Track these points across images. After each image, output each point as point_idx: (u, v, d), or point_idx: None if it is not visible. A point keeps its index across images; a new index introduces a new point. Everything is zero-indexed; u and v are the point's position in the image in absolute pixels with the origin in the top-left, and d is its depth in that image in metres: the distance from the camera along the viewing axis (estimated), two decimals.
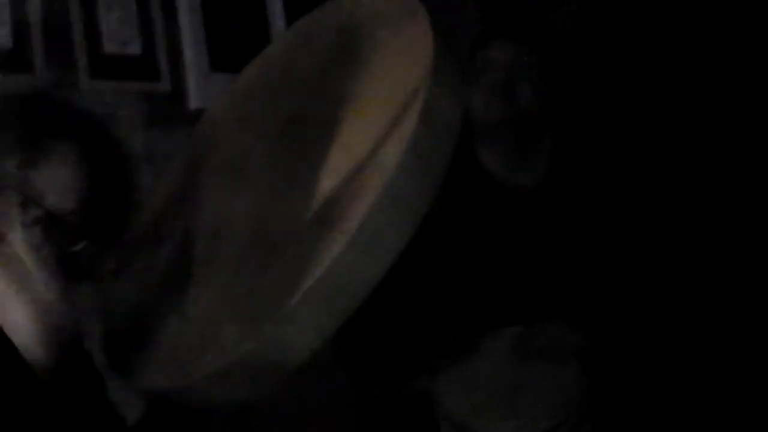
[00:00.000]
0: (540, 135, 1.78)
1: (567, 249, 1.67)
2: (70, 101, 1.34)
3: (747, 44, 2.32)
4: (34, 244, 1.20)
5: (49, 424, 1.16)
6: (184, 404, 1.26)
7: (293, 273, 1.17)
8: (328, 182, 1.24)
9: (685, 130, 2.31)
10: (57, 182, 1.21)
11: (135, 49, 2.23)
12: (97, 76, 2.18)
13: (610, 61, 2.52)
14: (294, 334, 1.16)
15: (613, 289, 1.62)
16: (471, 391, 1.51)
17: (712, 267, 1.87)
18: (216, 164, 1.46)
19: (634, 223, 1.69)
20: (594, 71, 2.55)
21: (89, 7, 2.18)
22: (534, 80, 1.76)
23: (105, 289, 1.40)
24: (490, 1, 2.40)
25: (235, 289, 1.26)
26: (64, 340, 1.18)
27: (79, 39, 2.16)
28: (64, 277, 1.28)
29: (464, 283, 1.68)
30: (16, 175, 1.20)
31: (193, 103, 2.27)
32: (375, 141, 1.21)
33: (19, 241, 1.19)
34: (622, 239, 1.67)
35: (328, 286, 1.15)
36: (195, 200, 1.42)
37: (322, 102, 1.35)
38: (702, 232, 1.86)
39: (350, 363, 1.69)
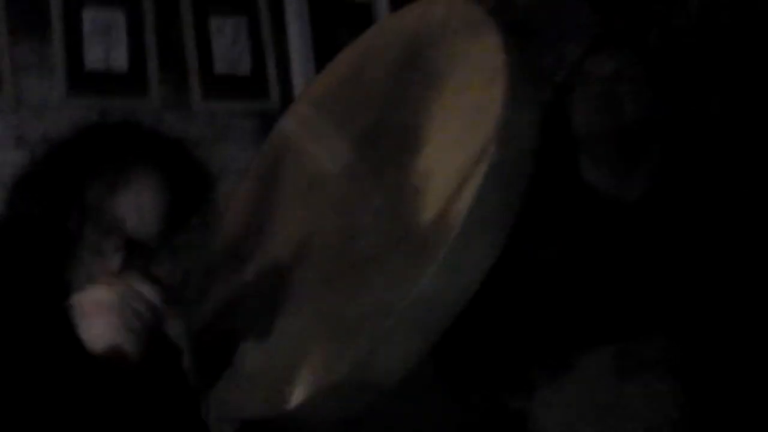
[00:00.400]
0: (646, 147, 1.72)
1: (670, 264, 1.61)
2: (150, 126, 1.36)
3: None
4: (113, 270, 1.22)
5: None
6: (277, 428, 1.27)
7: (383, 297, 1.19)
8: (410, 203, 1.25)
9: None
10: (137, 208, 1.24)
11: (245, 69, 2.29)
12: (209, 96, 2.25)
13: (725, 73, 2.43)
14: (387, 356, 1.18)
15: (718, 306, 1.56)
16: (566, 410, 1.47)
17: None
18: (291, 179, 1.47)
19: (742, 240, 1.62)
20: (708, 82, 2.46)
21: (201, 29, 2.25)
22: (641, 91, 1.70)
23: (188, 313, 1.43)
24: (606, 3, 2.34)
25: (323, 312, 1.28)
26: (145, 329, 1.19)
27: (192, 61, 2.24)
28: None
29: (564, 298, 1.64)
30: (97, 203, 1.23)
31: None
32: (454, 164, 1.22)
33: (98, 269, 1.22)
34: (729, 255, 1.60)
35: (419, 308, 1.17)
36: (273, 217, 1.44)
37: (396, 116, 1.35)
38: None
39: (449, 375, 1.67)
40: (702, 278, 1.60)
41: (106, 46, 2.17)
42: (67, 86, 2.12)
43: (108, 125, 1.37)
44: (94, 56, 2.15)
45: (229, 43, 2.28)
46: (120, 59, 2.17)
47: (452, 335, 1.21)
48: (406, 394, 1.29)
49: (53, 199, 1.24)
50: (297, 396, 1.22)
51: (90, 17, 2.14)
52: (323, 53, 2.33)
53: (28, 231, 1.25)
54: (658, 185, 1.71)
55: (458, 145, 1.24)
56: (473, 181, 1.18)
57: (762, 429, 1.52)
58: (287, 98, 2.31)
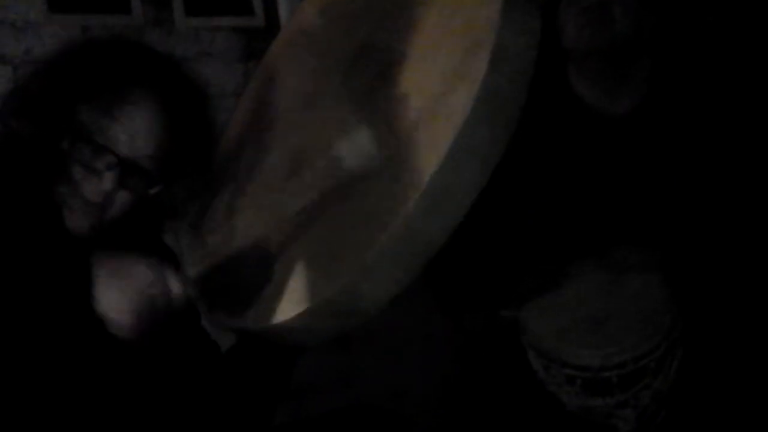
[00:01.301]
0: (636, 61, 1.71)
1: (656, 176, 1.63)
2: (143, 44, 1.31)
3: None
4: (106, 190, 1.21)
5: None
6: (270, 341, 1.29)
7: (368, 226, 1.17)
8: (399, 126, 1.21)
9: None
10: (131, 128, 1.21)
11: None
12: (192, 13, 2.21)
13: None
14: (371, 285, 1.17)
15: (705, 216, 1.58)
16: (557, 319, 1.48)
17: None
18: (287, 95, 1.45)
19: (725, 151, 1.64)
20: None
21: None
22: (630, 4, 1.68)
23: (190, 231, 1.42)
24: None
25: (311, 236, 1.27)
26: (161, 315, 1.19)
27: None
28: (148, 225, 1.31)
29: (554, 210, 1.65)
30: (90, 122, 1.20)
31: None
32: (445, 86, 1.17)
33: (91, 189, 1.20)
34: (711, 168, 1.62)
35: (403, 240, 1.14)
36: (269, 137, 1.42)
37: (390, 34, 1.31)
38: None
39: (440, 292, 1.69)
40: (687, 189, 1.61)
41: None
42: (48, 4, 2.08)
43: (98, 42, 1.31)
44: None
45: None
46: None
47: (442, 254, 1.19)
48: (399, 314, 1.30)
49: (44, 117, 1.20)
50: (283, 313, 1.22)
51: None
52: None
53: (18, 149, 1.23)
54: (646, 100, 1.71)
55: (450, 67, 1.18)
56: (462, 104, 1.12)
57: (748, 332, 1.55)
58: (272, 15, 2.28)
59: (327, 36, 1.45)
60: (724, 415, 1.55)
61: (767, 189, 1.64)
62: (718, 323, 1.56)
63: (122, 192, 1.22)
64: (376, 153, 1.23)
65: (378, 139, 1.23)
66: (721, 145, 1.65)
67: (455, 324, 1.73)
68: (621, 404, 1.46)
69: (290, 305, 1.21)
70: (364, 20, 1.38)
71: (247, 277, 1.31)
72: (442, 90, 1.17)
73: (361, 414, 1.40)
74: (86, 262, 1.16)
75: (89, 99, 1.21)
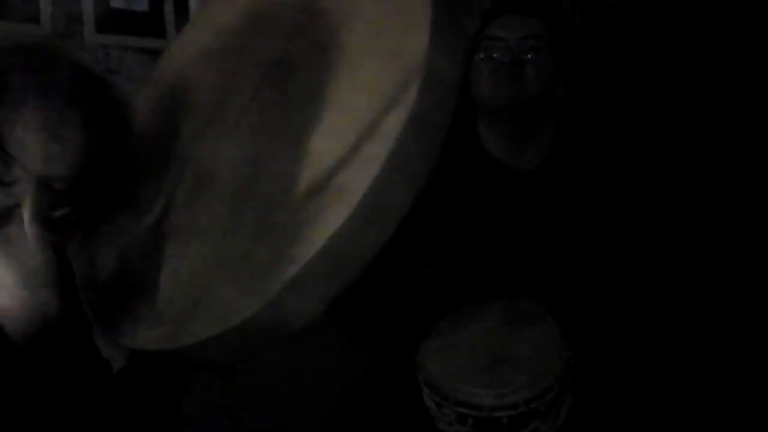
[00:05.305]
0: (544, 121, 1.76)
1: (557, 229, 1.68)
2: (75, 56, 1.23)
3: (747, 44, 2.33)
4: (6, 205, 1.17)
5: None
6: (175, 361, 1.26)
7: (294, 241, 1.16)
8: (324, 144, 1.21)
9: (688, 131, 2.31)
10: (51, 147, 1.17)
11: (142, 5, 2.24)
12: (103, 30, 2.18)
13: (619, 47, 2.52)
14: (295, 301, 1.15)
15: (598, 269, 1.64)
16: (454, 358, 1.50)
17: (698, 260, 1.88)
18: (188, 109, 1.42)
19: (624, 211, 1.70)
20: (604, 56, 2.54)
21: None
22: (542, 62, 1.73)
23: (89, 245, 1.37)
24: None
25: (229, 250, 1.24)
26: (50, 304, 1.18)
27: None
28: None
29: (457, 257, 1.68)
30: (6, 133, 1.16)
31: None
32: (375, 107, 1.18)
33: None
34: (609, 224, 1.68)
35: (332, 255, 1.14)
36: (172, 149, 1.39)
37: (309, 50, 1.30)
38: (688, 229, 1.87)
39: (343, 326, 1.68)
40: (586, 243, 1.67)
41: None
42: None
43: (24, 47, 1.22)
44: None
45: None
46: None
47: (352, 295, 1.19)
48: (287, 350, 1.29)
49: None
50: (197, 334, 1.19)
51: None
52: None
53: None
54: (550, 158, 1.76)
55: (377, 88, 1.19)
56: (393, 125, 1.14)
57: (640, 384, 1.60)
58: None
59: (236, 45, 1.42)
60: None
61: (661, 244, 1.71)
62: (608, 372, 1.61)
63: (19, 209, 1.18)
64: (300, 171, 1.22)
65: (302, 162, 1.22)
66: (618, 202, 1.71)
67: (354, 358, 1.73)
68: None
69: (208, 323, 1.19)
70: (279, 32, 1.36)
71: (154, 293, 1.28)
72: (373, 111, 1.18)
73: None
74: None
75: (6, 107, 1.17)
